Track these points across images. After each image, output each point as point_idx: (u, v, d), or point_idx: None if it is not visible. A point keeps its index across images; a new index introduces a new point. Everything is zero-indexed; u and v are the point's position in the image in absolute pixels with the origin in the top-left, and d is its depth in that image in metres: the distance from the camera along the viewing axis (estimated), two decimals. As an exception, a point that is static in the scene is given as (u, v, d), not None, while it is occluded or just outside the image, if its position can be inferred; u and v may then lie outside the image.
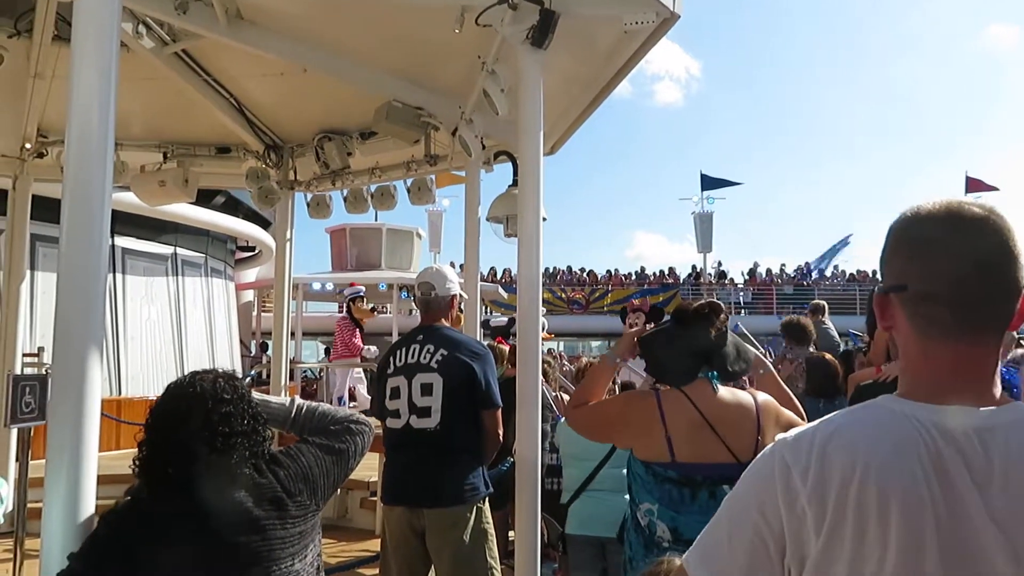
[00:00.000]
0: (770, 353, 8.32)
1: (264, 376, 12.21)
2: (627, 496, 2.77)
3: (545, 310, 10.77)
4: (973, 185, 30.82)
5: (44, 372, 4.66)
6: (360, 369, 10.55)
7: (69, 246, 1.95)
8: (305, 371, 15.10)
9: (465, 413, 3.45)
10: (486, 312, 20.15)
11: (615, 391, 4.85)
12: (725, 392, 2.63)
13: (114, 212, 2.04)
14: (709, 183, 33.87)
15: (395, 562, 3.49)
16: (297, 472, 1.96)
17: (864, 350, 5.83)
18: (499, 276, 29.11)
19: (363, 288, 11.37)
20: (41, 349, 5.94)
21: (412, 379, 3.46)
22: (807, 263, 31.55)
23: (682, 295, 26.80)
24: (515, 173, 4.59)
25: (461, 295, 3.85)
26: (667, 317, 2.96)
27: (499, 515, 4.20)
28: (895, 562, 1.01)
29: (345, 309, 10.78)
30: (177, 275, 12.03)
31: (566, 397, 5.42)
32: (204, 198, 11.14)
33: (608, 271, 32.06)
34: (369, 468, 6.28)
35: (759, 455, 1.17)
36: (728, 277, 32.15)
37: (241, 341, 16.20)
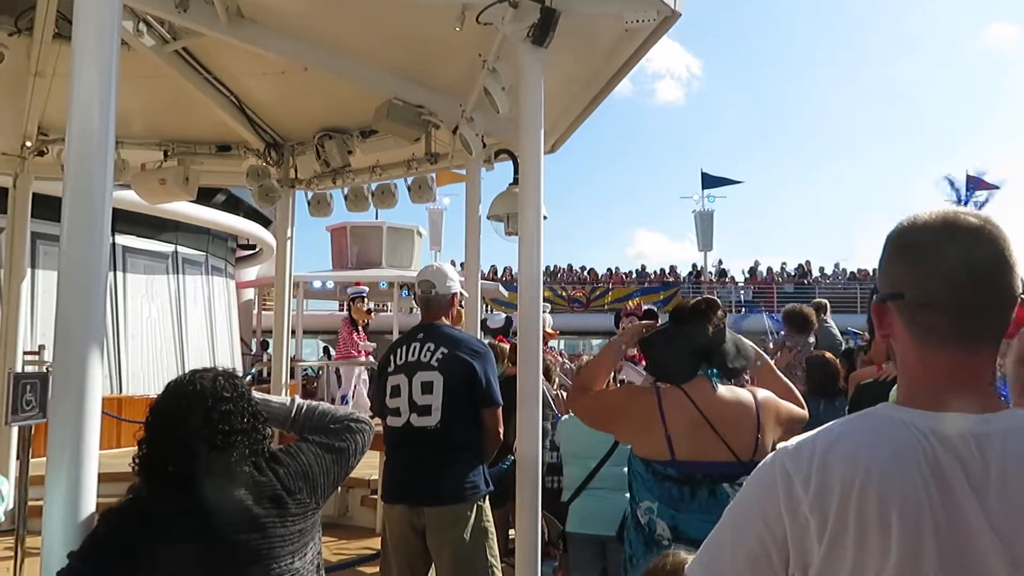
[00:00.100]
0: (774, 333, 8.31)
1: (265, 374, 12.23)
2: (628, 494, 2.78)
3: (548, 307, 10.79)
4: (974, 183, 30.80)
5: (45, 370, 4.67)
6: (366, 371, 10.57)
7: (70, 244, 1.95)
8: (306, 369, 15.11)
9: (465, 411, 3.45)
10: (486, 311, 20.15)
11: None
12: (725, 390, 2.63)
13: (115, 210, 2.04)
14: (710, 181, 33.85)
15: (395, 560, 3.50)
16: (297, 470, 1.96)
17: (865, 348, 5.83)
18: (500, 274, 29.12)
19: (366, 288, 11.37)
20: (42, 347, 5.95)
21: (412, 377, 3.46)
22: (807, 261, 31.49)
23: (683, 294, 26.81)
24: (516, 171, 4.59)
25: (461, 293, 3.85)
26: (663, 318, 2.97)
27: (499, 513, 4.20)
28: (896, 569, 1.02)
29: (346, 308, 10.80)
30: (178, 273, 12.04)
31: (566, 396, 5.42)
32: (205, 196, 11.14)
33: (609, 269, 32.07)
34: (370, 466, 6.28)
35: (761, 463, 1.17)
36: (729, 275, 32.14)
37: (242, 339, 16.21)
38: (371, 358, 10.38)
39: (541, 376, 3.30)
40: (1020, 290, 1.10)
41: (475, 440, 3.48)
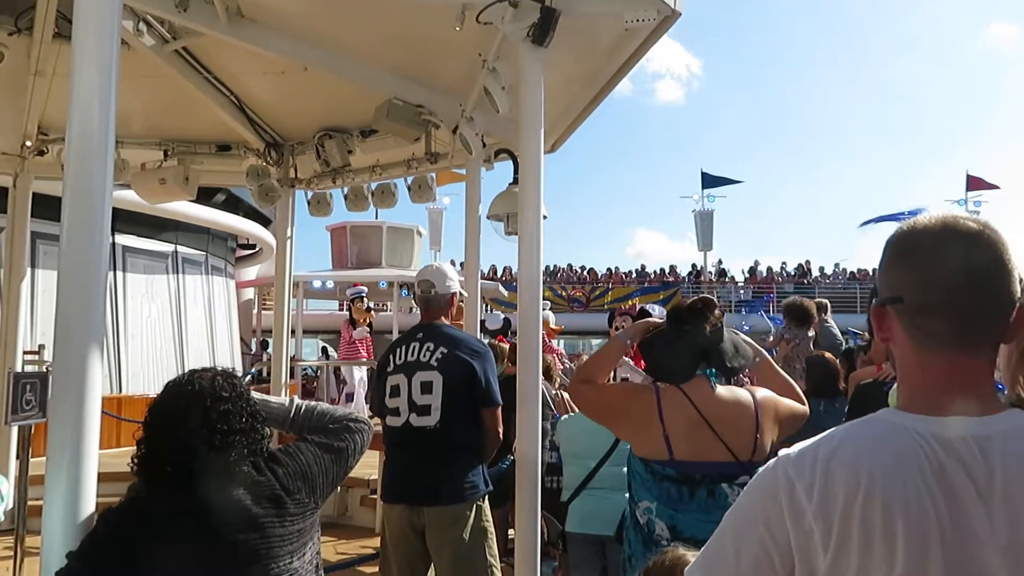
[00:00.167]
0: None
1: (264, 374, 12.23)
2: (627, 494, 2.77)
3: (548, 304, 10.81)
4: (974, 184, 30.82)
5: (45, 370, 4.66)
6: (366, 374, 10.59)
7: (70, 244, 1.95)
8: (305, 369, 15.12)
9: (465, 411, 3.45)
10: (486, 311, 20.15)
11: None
12: (723, 390, 2.62)
13: (115, 210, 2.04)
14: (710, 181, 33.88)
15: (395, 560, 3.50)
16: (296, 470, 1.96)
17: (865, 348, 5.83)
18: (499, 274, 29.12)
19: (364, 289, 11.39)
20: (42, 347, 5.94)
21: (412, 377, 3.46)
22: (807, 261, 31.49)
23: (683, 293, 26.81)
24: (516, 171, 4.59)
25: (461, 293, 3.85)
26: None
27: (499, 513, 4.20)
28: (903, 574, 1.02)
29: (346, 310, 10.84)
30: (178, 273, 12.04)
31: (566, 396, 5.42)
32: (204, 196, 11.14)
33: (608, 269, 32.09)
34: (369, 466, 6.28)
35: (762, 469, 1.17)
36: (728, 275, 32.14)
37: (241, 339, 16.21)
38: (367, 349, 10.43)
39: (541, 376, 3.31)
40: (1019, 294, 1.11)
41: (474, 440, 3.48)
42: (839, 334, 7.58)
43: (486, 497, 3.52)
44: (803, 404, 2.80)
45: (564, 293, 29.21)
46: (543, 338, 9.10)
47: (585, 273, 31.70)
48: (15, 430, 5.21)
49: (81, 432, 1.90)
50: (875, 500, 1.04)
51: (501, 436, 3.57)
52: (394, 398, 3.50)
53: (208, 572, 1.81)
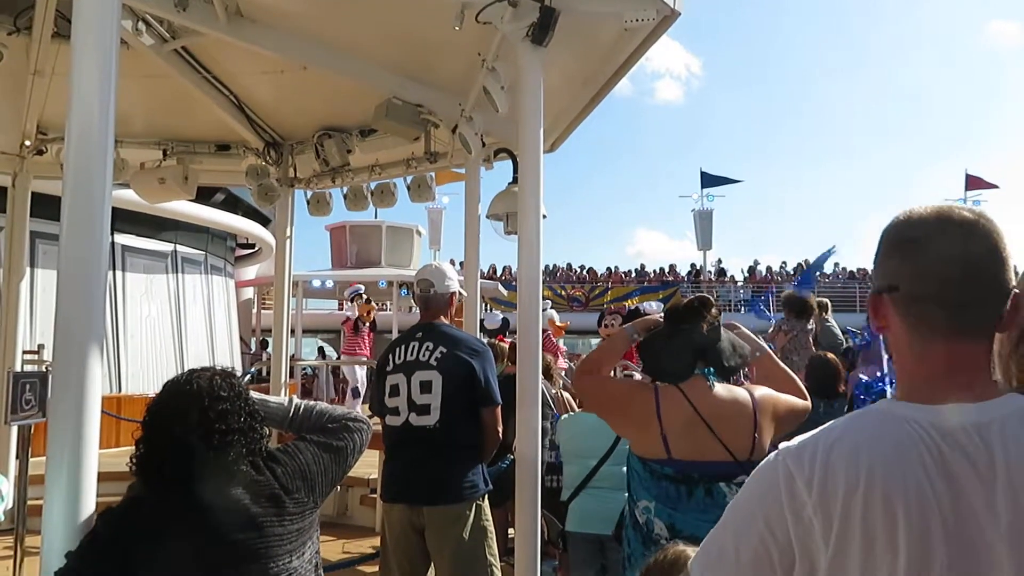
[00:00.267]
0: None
1: (264, 373, 12.25)
2: (627, 494, 2.78)
3: (549, 303, 10.81)
4: (973, 183, 30.82)
5: (44, 369, 4.66)
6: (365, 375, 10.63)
7: (69, 243, 1.95)
8: (305, 368, 15.12)
9: (464, 410, 3.45)
10: (485, 310, 20.14)
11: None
12: (721, 389, 2.62)
13: (114, 209, 2.04)
14: (709, 181, 33.88)
15: (395, 559, 3.50)
16: (295, 469, 1.96)
17: (864, 347, 5.84)
18: (499, 273, 29.11)
19: (361, 286, 11.42)
20: (41, 346, 5.93)
21: (411, 376, 3.46)
22: (806, 260, 31.50)
23: (682, 293, 26.81)
24: (515, 170, 4.59)
25: (460, 292, 3.85)
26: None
27: (499, 512, 4.20)
28: (906, 566, 1.02)
29: (347, 308, 10.94)
30: (177, 272, 12.03)
31: (567, 395, 5.43)
32: (204, 195, 11.13)
33: (608, 268, 32.07)
34: (369, 465, 6.29)
35: (762, 463, 1.17)
36: (728, 275, 32.14)
37: (241, 338, 16.21)
38: (369, 347, 10.48)
39: (540, 375, 3.31)
40: (1013, 283, 1.11)
41: (474, 439, 3.48)
42: (839, 333, 7.58)
43: (486, 496, 3.52)
44: (805, 399, 2.78)
45: (564, 292, 29.20)
46: (549, 336, 9.05)
47: (585, 272, 31.69)
48: (15, 430, 5.21)
49: (81, 432, 1.90)
50: (875, 492, 1.04)
51: (501, 435, 3.57)
52: (393, 397, 3.50)
53: (207, 571, 1.81)
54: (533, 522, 3.13)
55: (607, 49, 3.67)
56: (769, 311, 11.03)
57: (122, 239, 10.63)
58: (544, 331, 8.95)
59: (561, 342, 10.31)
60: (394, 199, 6.03)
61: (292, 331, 11.67)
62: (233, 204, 14.29)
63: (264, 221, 14.81)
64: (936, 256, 1.10)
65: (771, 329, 6.85)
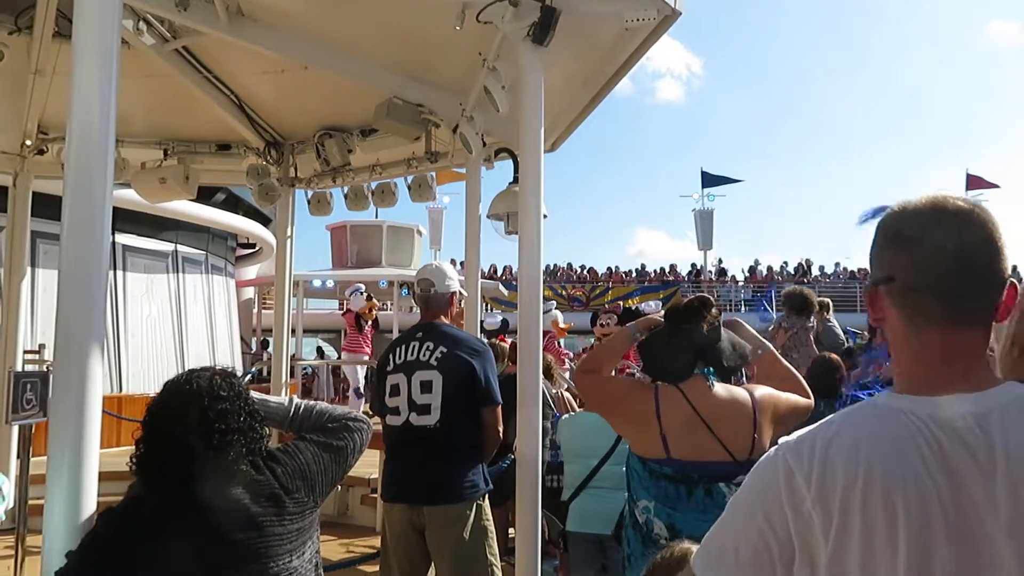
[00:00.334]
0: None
1: (265, 373, 12.25)
2: (627, 493, 2.77)
3: (554, 303, 10.79)
4: (974, 183, 30.79)
5: (45, 369, 4.67)
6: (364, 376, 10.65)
7: (70, 243, 1.95)
8: (306, 368, 15.12)
9: (465, 410, 3.45)
10: (486, 310, 20.15)
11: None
12: (721, 389, 2.61)
13: (115, 209, 2.04)
14: (710, 180, 33.86)
15: (395, 559, 3.50)
16: (295, 469, 1.96)
17: (865, 347, 5.84)
18: (500, 273, 29.11)
19: (361, 286, 11.43)
20: (42, 346, 5.95)
21: (412, 376, 3.46)
22: (807, 260, 31.51)
23: (683, 292, 26.80)
24: (516, 170, 4.59)
25: (461, 292, 3.85)
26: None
27: (499, 512, 4.20)
28: (907, 561, 1.01)
29: (349, 308, 10.97)
30: (178, 272, 12.04)
31: (567, 395, 5.43)
32: (205, 195, 11.14)
33: (609, 268, 32.06)
34: (369, 465, 6.29)
35: (762, 458, 1.17)
36: (729, 274, 32.13)
37: (242, 338, 16.22)
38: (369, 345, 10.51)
39: (541, 375, 3.31)
40: (1009, 272, 1.11)
41: (474, 439, 3.48)
42: (841, 333, 7.58)
43: (486, 496, 3.52)
44: (808, 397, 2.77)
45: (564, 292, 29.19)
46: (553, 339, 9.00)
47: (585, 272, 31.68)
48: (16, 429, 5.21)
49: (82, 431, 1.90)
50: (874, 486, 1.04)
51: (501, 435, 3.57)
52: (394, 397, 3.50)
53: (207, 571, 1.81)
54: (534, 522, 3.13)
55: (608, 49, 3.67)
56: (772, 309, 11.03)
57: (123, 239, 10.64)
58: (547, 333, 8.95)
59: (562, 342, 10.29)
60: (395, 199, 6.03)
61: (293, 331, 11.69)
62: (234, 204, 14.30)
63: (265, 221, 14.82)
64: (931, 246, 1.10)
65: (771, 327, 6.85)
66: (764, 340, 2.94)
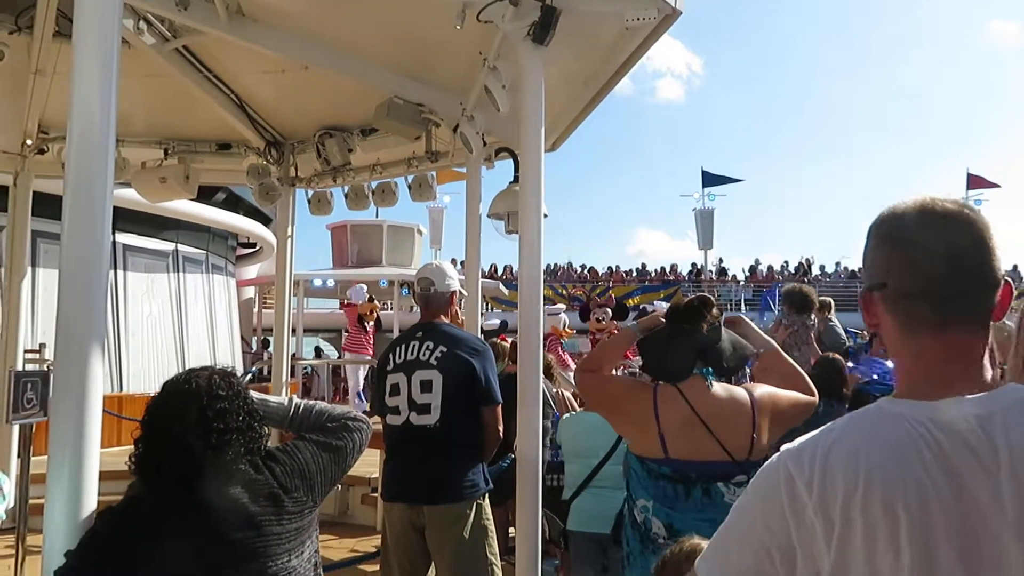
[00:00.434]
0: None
1: (265, 372, 12.26)
2: (626, 493, 2.77)
3: (564, 306, 10.78)
4: (975, 182, 30.80)
5: (46, 368, 4.67)
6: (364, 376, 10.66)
7: (71, 242, 1.95)
8: (306, 368, 15.13)
9: (465, 410, 3.45)
10: (486, 309, 20.15)
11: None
12: (720, 389, 2.61)
13: (115, 208, 2.04)
14: (710, 180, 33.86)
15: (396, 558, 3.50)
16: (294, 468, 1.96)
17: (866, 348, 5.83)
18: (500, 272, 29.12)
19: (362, 285, 11.44)
20: (43, 345, 5.96)
21: (412, 376, 3.46)
22: (807, 259, 31.50)
23: (683, 292, 26.79)
24: (516, 170, 4.59)
25: (461, 292, 3.85)
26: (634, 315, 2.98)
27: (500, 512, 4.20)
28: (911, 563, 1.01)
29: (351, 307, 10.99)
30: (178, 271, 12.04)
31: (567, 395, 5.43)
32: (205, 195, 11.14)
33: (609, 268, 32.10)
34: (370, 464, 6.29)
35: (764, 465, 1.17)
36: (729, 274, 32.13)
37: (242, 337, 16.22)
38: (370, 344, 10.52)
39: (541, 375, 3.31)
40: (1002, 272, 1.11)
41: (474, 438, 3.48)
42: (843, 333, 7.56)
43: (486, 495, 3.52)
44: (812, 394, 2.74)
45: (564, 292, 29.18)
46: (557, 342, 8.93)
47: (586, 272, 31.71)
48: (16, 429, 5.22)
49: (82, 430, 1.90)
50: (875, 492, 1.03)
51: (501, 434, 3.57)
52: (394, 397, 3.50)
53: (206, 570, 1.81)
54: (534, 521, 3.14)
55: (608, 48, 3.67)
56: (775, 308, 11.03)
57: (123, 238, 10.65)
58: (548, 335, 8.95)
59: (565, 343, 10.27)
60: (395, 198, 6.03)
61: (293, 330, 11.69)
62: (234, 203, 14.30)
63: (265, 220, 14.82)
64: (921, 250, 1.10)
65: (771, 324, 6.84)
66: (768, 337, 2.94)
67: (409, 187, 5.86)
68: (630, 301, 24.57)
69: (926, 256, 1.09)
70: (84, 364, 1.91)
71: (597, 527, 3.64)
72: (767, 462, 1.17)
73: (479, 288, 5.39)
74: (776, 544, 1.09)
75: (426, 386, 3.43)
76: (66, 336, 1.93)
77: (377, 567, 4.01)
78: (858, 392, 4.18)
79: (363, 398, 10.44)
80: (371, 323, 10.80)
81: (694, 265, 32.88)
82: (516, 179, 4.55)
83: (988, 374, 1.11)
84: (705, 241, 33.58)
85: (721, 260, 33.70)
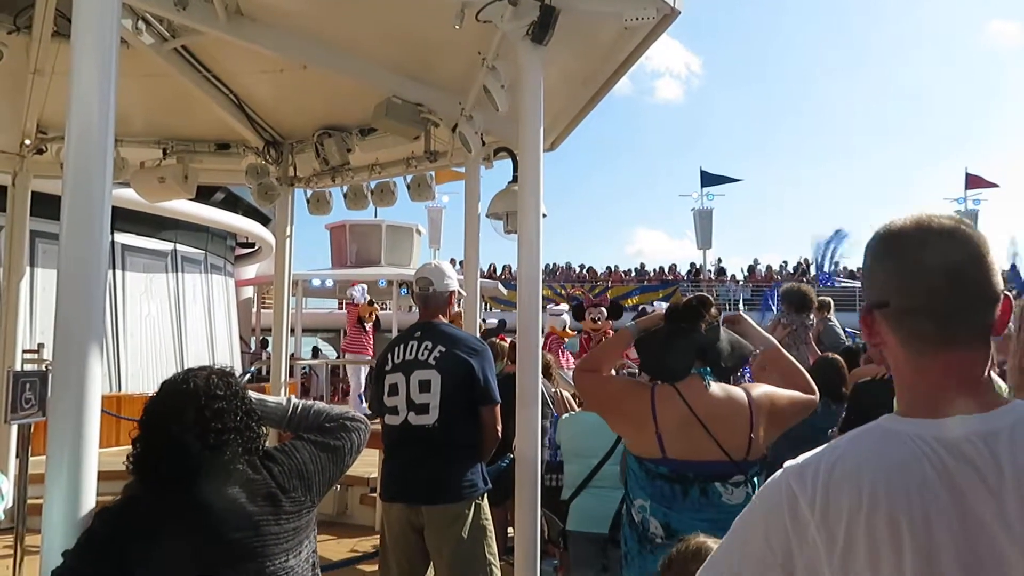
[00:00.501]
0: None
1: (264, 372, 12.25)
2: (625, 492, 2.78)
3: (565, 307, 10.76)
4: (973, 182, 30.83)
5: (44, 368, 4.67)
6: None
7: (69, 242, 1.95)
8: (304, 368, 15.12)
9: (463, 410, 3.45)
10: (485, 309, 20.15)
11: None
12: (717, 388, 2.61)
13: (114, 208, 2.04)
14: (709, 179, 33.88)
15: (394, 558, 3.50)
16: (291, 468, 1.96)
17: (866, 347, 5.82)
18: (499, 272, 29.12)
19: (363, 285, 11.45)
20: (41, 345, 5.95)
21: (410, 376, 3.46)
22: (806, 259, 31.51)
23: (682, 292, 26.80)
24: (515, 169, 4.59)
25: (459, 291, 3.85)
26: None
27: (498, 511, 4.20)
28: None
29: (351, 307, 11.01)
30: (177, 271, 12.04)
31: (566, 394, 5.43)
32: (204, 194, 11.14)
33: (608, 267, 32.07)
34: (369, 464, 6.29)
35: (767, 482, 1.17)
36: (728, 274, 32.14)
37: (241, 337, 16.21)
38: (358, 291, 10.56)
39: (540, 375, 3.31)
40: (1002, 287, 1.11)
41: (473, 438, 3.48)
42: (842, 333, 7.56)
43: (485, 495, 3.52)
44: (812, 392, 2.73)
45: (563, 291, 29.19)
46: (557, 342, 8.87)
47: (584, 272, 31.70)
48: (15, 429, 5.21)
49: (81, 431, 1.90)
50: (879, 511, 1.03)
51: (500, 434, 3.57)
52: (392, 397, 3.50)
53: (204, 570, 1.81)
54: (533, 521, 3.14)
55: (607, 48, 3.67)
56: (774, 307, 11.03)
57: (122, 238, 10.64)
58: (550, 335, 8.94)
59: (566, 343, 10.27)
60: (394, 198, 6.03)
61: (292, 330, 11.69)
62: (233, 203, 14.30)
63: (264, 220, 14.82)
64: (920, 268, 1.10)
65: (769, 323, 6.83)
66: (768, 335, 2.94)
67: (408, 187, 5.86)
68: (629, 301, 24.60)
69: (927, 274, 1.09)
70: (82, 364, 1.91)
71: (596, 527, 3.64)
72: (770, 478, 1.16)
73: (478, 288, 5.39)
74: (777, 561, 1.09)
75: (425, 386, 3.43)
76: (65, 336, 1.93)
77: (376, 567, 4.01)
78: (857, 390, 4.17)
79: (363, 399, 10.45)
80: (370, 324, 10.82)
81: (693, 265, 32.88)
82: (515, 179, 4.55)
83: (992, 391, 1.11)
84: (704, 241, 33.60)
85: (720, 260, 33.72)
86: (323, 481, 2.03)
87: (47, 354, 5.63)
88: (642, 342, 2.82)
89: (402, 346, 3.57)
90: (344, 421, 2.18)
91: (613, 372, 3.05)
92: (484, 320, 10.19)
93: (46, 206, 5.61)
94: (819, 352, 5.95)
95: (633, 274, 31.89)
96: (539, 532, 3.25)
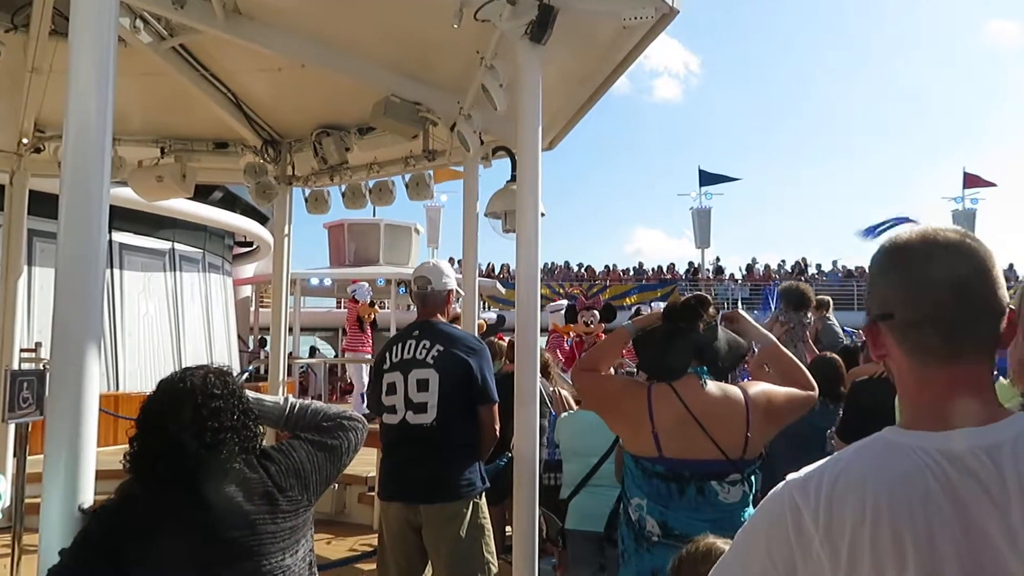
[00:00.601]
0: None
1: (262, 371, 12.24)
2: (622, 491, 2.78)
3: (564, 304, 10.74)
4: (971, 181, 30.85)
5: (42, 367, 4.66)
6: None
7: (67, 241, 1.95)
8: (303, 367, 15.12)
9: (461, 409, 3.45)
10: (483, 308, 20.15)
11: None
12: (714, 387, 2.62)
13: (112, 207, 2.04)
14: (707, 179, 33.87)
15: (392, 557, 3.50)
16: (288, 467, 1.96)
17: (863, 346, 5.82)
18: (497, 271, 29.12)
19: (365, 284, 11.46)
20: (39, 344, 5.92)
21: (408, 375, 3.46)
22: (804, 259, 31.51)
23: (680, 291, 26.82)
24: (513, 169, 4.59)
25: (457, 290, 3.85)
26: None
27: (497, 510, 4.20)
28: None
29: (351, 307, 11.03)
30: (175, 270, 12.02)
31: (565, 394, 5.43)
32: (202, 193, 11.12)
33: (606, 266, 32.07)
34: (367, 463, 6.28)
35: (769, 494, 1.16)
36: (726, 273, 32.16)
37: (239, 336, 16.20)
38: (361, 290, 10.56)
39: (538, 374, 3.31)
40: (1007, 300, 1.11)
41: (471, 437, 3.48)
42: (840, 332, 7.57)
43: (483, 494, 3.53)
44: (812, 389, 2.73)
45: (562, 291, 29.19)
46: (559, 339, 8.80)
47: (583, 271, 31.70)
48: (12, 428, 5.20)
49: (78, 429, 1.90)
50: (883, 524, 1.02)
51: (498, 433, 3.57)
52: (390, 396, 3.50)
53: (200, 569, 1.81)
54: (531, 520, 3.14)
55: (605, 47, 3.67)
56: (773, 305, 11.02)
57: (120, 237, 10.62)
58: (552, 332, 8.92)
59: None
60: (392, 197, 6.03)
61: (290, 329, 11.69)
62: (231, 202, 14.28)
63: (262, 219, 14.80)
64: (925, 281, 1.10)
65: (767, 320, 6.84)
66: (767, 332, 2.94)
67: (406, 186, 5.85)
68: (627, 300, 24.61)
69: (932, 287, 1.10)
70: (80, 363, 1.91)
71: (595, 526, 3.65)
72: (772, 490, 1.16)
73: (476, 287, 5.39)
74: (780, 574, 1.09)
75: (422, 385, 3.43)
76: (62, 335, 1.93)
77: (374, 566, 4.01)
78: (855, 389, 4.18)
79: (364, 399, 10.46)
80: (369, 323, 10.82)
81: (691, 264, 32.89)
82: (513, 178, 4.55)
83: (996, 403, 1.11)
84: (702, 240, 33.60)
85: (718, 259, 33.72)
86: (320, 480, 2.03)
87: (45, 353, 5.61)
88: (639, 341, 2.82)
89: (400, 345, 3.57)
90: (341, 420, 2.18)
91: (612, 371, 3.06)
92: (484, 316, 10.21)
93: (44, 205, 5.61)
94: (816, 351, 5.95)
95: (631, 273, 31.90)
96: (537, 531, 3.25)
